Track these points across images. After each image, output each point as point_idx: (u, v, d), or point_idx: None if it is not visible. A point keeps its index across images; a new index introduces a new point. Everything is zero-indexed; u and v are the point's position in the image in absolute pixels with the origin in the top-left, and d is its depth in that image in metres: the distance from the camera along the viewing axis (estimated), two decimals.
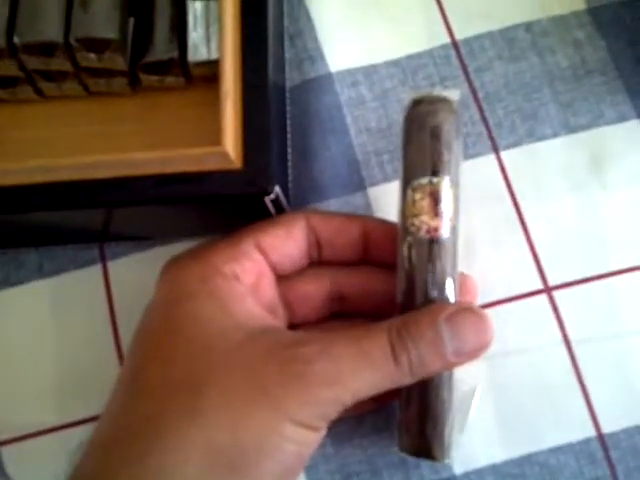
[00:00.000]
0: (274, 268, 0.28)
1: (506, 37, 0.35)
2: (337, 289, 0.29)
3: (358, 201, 0.33)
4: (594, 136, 0.33)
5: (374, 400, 0.26)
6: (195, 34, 0.30)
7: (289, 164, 0.32)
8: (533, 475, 0.29)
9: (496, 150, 0.33)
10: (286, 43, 0.35)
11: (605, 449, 0.30)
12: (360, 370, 0.24)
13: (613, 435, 0.30)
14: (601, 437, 0.30)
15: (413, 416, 0.26)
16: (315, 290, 0.29)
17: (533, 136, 0.33)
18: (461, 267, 0.27)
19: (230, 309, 0.26)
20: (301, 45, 0.35)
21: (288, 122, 0.33)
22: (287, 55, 0.34)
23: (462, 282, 0.27)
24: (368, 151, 0.34)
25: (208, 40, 0.30)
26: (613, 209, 0.32)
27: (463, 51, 0.35)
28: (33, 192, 0.26)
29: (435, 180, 0.26)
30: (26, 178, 0.26)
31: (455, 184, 0.26)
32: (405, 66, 0.35)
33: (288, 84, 0.34)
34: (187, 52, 0.30)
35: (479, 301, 0.30)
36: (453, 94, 0.27)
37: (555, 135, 0.33)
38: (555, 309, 0.31)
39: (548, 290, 0.31)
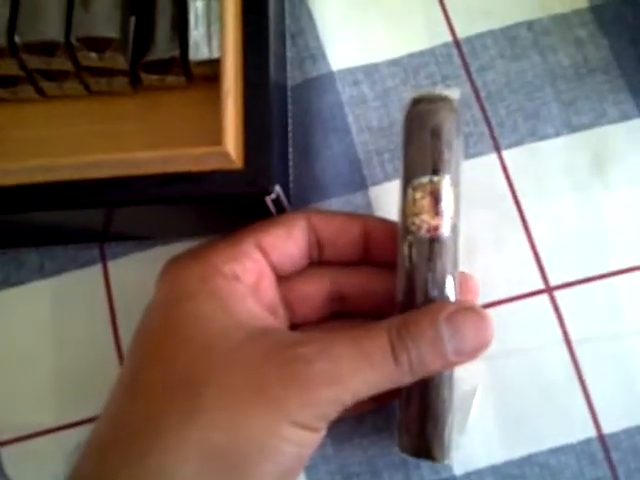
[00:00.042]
0: (274, 268, 0.28)
1: (508, 36, 0.34)
2: (337, 289, 0.29)
3: (359, 200, 0.33)
4: (596, 135, 0.33)
5: (374, 400, 0.26)
6: (196, 33, 0.30)
7: (290, 163, 0.32)
8: (533, 476, 0.29)
9: (498, 149, 0.33)
10: (287, 42, 0.34)
11: (606, 450, 0.30)
12: (360, 370, 0.24)
13: (614, 436, 0.30)
14: (602, 438, 0.30)
15: (413, 416, 0.26)
16: (315, 290, 0.29)
17: (535, 135, 0.33)
18: (462, 266, 0.27)
19: (230, 309, 0.26)
20: (302, 44, 0.35)
21: (289, 121, 0.33)
22: (288, 54, 0.34)
23: (463, 281, 0.27)
24: (369, 150, 0.34)
25: (209, 39, 0.30)
26: (615, 209, 0.32)
27: (465, 50, 0.34)
28: (34, 192, 0.26)
29: (435, 179, 0.26)
30: (27, 178, 0.26)
31: (456, 183, 0.26)
32: (407, 65, 0.34)
33: (289, 83, 0.34)
34: (188, 51, 0.30)
35: (480, 301, 0.30)
36: (454, 93, 0.27)
37: (557, 134, 0.33)
38: (556, 309, 0.31)
39: (549, 290, 0.31)
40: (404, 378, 0.25)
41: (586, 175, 0.33)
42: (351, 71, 0.35)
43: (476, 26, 0.35)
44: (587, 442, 0.30)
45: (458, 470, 0.30)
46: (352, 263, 0.30)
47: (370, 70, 0.34)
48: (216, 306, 0.26)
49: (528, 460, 0.30)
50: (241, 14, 0.28)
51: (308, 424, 0.24)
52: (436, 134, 0.26)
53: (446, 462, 0.27)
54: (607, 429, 0.30)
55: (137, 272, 0.32)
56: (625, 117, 0.33)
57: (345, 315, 0.30)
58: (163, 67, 0.30)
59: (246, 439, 0.23)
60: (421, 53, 0.35)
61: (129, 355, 0.27)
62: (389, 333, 0.24)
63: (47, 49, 0.28)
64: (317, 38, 0.35)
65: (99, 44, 0.28)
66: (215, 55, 0.29)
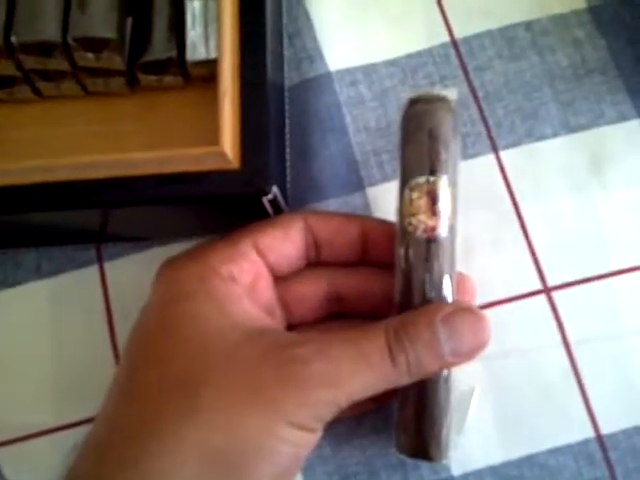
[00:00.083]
0: (271, 269, 0.28)
1: (506, 36, 0.34)
2: (335, 290, 0.29)
3: (357, 201, 0.33)
4: (594, 136, 0.33)
5: (372, 400, 0.26)
6: (193, 33, 0.30)
7: (287, 164, 0.32)
8: (532, 476, 0.29)
9: (495, 150, 0.33)
10: (285, 42, 0.34)
11: (604, 450, 0.30)
12: (358, 371, 0.24)
13: (612, 436, 0.30)
14: (600, 438, 0.30)
15: (410, 416, 0.26)
16: (313, 291, 0.29)
17: (533, 136, 0.33)
18: (460, 267, 0.27)
19: (227, 309, 0.26)
20: (300, 44, 0.35)
21: (287, 121, 0.33)
22: (286, 54, 0.34)
23: (461, 282, 0.27)
24: (367, 151, 0.34)
25: (206, 39, 0.30)
26: (613, 209, 0.32)
27: (463, 50, 0.34)
28: (31, 192, 0.26)
29: (432, 179, 0.26)
30: (24, 178, 0.26)
31: (453, 183, 0.26)
32: (404, 65, 0.34)
33: (287, 83, 0.34)
34: (185, 51, 0.30)
35: (478, 301, 0.30)
36: (451, 93, 0.27)
37: (555, 135, 0.33)
38: (554, 309, 0.31)
39: (547, 290, 0.31)
40: (401, 379, 0.25)
41: (584, 175, 0.32)
42: (349, 71, 0.34)
43: (474, 26, 0.35)
44: (585, 442, 0.30)
45: (456, 470, 0.30)
46: (350, 264, 0.29)
47: (368, 70, 0.34)
48: (213, 307, 0.26)
49: (526, 460, 0.30)
50: (238, 14, 0.28)
51: (305, 424, 0.24)
52: (433, 134, 0.26)
53: (444, 462, 0.27)
54: (605, 429, 0.30)
55: (134, 273, 0.32)
56: (623, 118, 0.33)
57: (342, 316, 0.30)
58: (160, 67, 0.30)
59: (243, 439, 0.23)
60: (419, 53, 0.34)
61: (125, 355, 0.27)
62: (386, 334, 0.24)
63: (44, 49, 0.28)
64: (314, 38, 0.35)
65: (96, 44, 0.28)
66: (212, 55, 0.29)
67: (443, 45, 0.35)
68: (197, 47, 0.30)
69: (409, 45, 0.35)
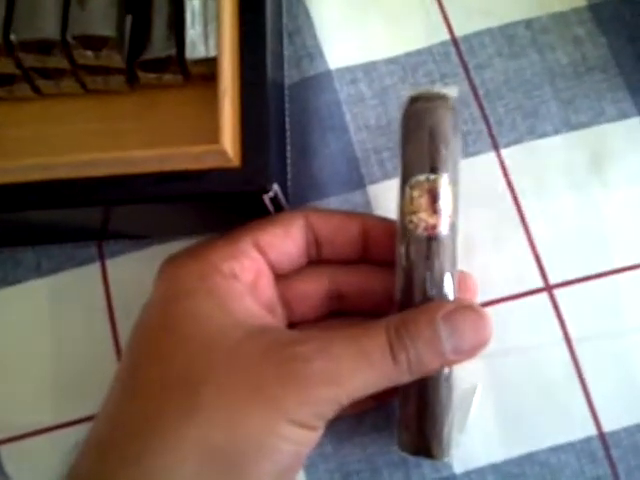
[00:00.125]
0: (272, 267, 0.28)
1: (506, 34, 0.34)
2: (336, 288, 0.29)
3: (357, 199, 0.33)
4: (595, 133, 0.33)
5: (374, 398, 0.26)
6: (193, 31, 0.30)
7: (288, 162, 0.32)
8: (534, 474, 0.29)
9: (496, 148, 0.33)
10: (285, 40, 0.34)
11: (606, 448, 0.30)
12: (359, 369, 0.24)
13: (614, 434, 0.30)
14: (602, 436, 0.30)
15: (412, 414, 0.26)
16: (314, 289, 0.29)
17: (534, 134, 0.33)
18: (461, 265, 0.27)
19: (229, 307, 0.26)
20: (300, 42, 0.35)
21: (287, 120, 0.33)
22: (286, 52, 0.34)
23: (462, 280, 0.27)
24: (367, 148, 0.34)
25: (206, 37, 0.30)
26: (614, 207, 0.32)
27: (463, 48, 0.34)
28: (31, 190, 0.26)
29: (433, 177, 0.26)
30: (24, 176, 0.26)
31: (454, 181, 0.26)
32: (404, 63, 0.34)
33: (287, 81, 0.34)
34: (185, 50, 0.29)
35: (479, 299, 0.30)
36: (451, 91, 0.27)
37: (556, 132, 0.33)
38: (556, 307, 0.31)
39: (549, 288, 0.31)
40: (402, 377, 0.25)
41: (585, 173, 0.32)
42: (349, 69, 0.34)
43: (474, 24, 0.35)
44: (587, 440, 0.30)
45: (458, 468, 0.30)
46: (351, 262, 0.29)
47: (368, 68, 0.34)
48: (214, 304, 0.25)
49: (528, 458, 0.30)
50: (238, 12, 0.28)
51: (306, 423, 0.24)
52: (433, 132, 0.26)
53: (445, 460, 0.27)
54: (607, 427, 0.30)
55: (135, 270, 0.32)
56: (623, 115, 0.33)
57: (344, 314, 0.30)
58: (160, 66, 0.30)
59: (244, 438, 0.23)
60: (419, 51, 0.34)
61: (127, 352, 0.27)
62: (387, 332, 0.24)
63: (43, 47, 0.28)
64: (314, 36, 0.35)
65: (95, 42, 0.28)
66: (212, 54, 0.29)
67: (443, 43, 0.35)
68: (197, 45, 0.30)
69: (409, 43, 0.35)
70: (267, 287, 0.28)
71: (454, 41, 0.35)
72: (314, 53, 0.35)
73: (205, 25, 0.30)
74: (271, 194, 0.26)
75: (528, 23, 0.35)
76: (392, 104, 0.34)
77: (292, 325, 0.29)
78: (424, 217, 0.26)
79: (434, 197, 0.26)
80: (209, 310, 0.25)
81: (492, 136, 0.33)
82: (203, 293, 0.26)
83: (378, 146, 0.33)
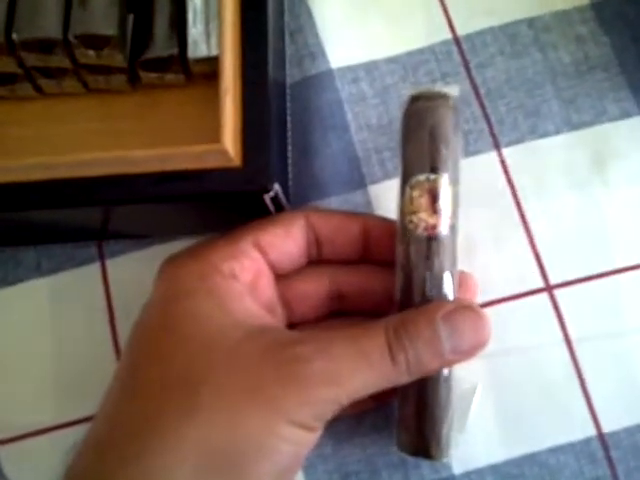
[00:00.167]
0: (273, 267, 0.28)
1: (508, 33, 0.34)
2: (336, 288, 0.29)
3: (358, 199, 0.33)
4: (597, 133, 0.33)
5: (373, 399, 0.26)
6: (195, 30, 0.30)
7: (289, 161, 0.32)
8: (533, 475, 0.29)
9: (498, 147, 0.33)
10: (286, 39, 0.34)
11: (605, 449, 0.30)
12: (358, 370, 0.24)
13: (614, 434, 0.30)
14: (601, 436, 0.30)
15: (411, 415, 0.26)
16: (314, 289, 0.29)
17: (535, 133, 0.33)
18: (462, 265, 0.27)
19: (228, 307, 0.26)
20: (302, 41, 0.35)
21: (288, 119, 0.33)
22: (287, 52, 0.34)
23: (462, 280, 0.27)
24: (369, 148, 0.33)
25: (208, 36, 0.30)
26: (615, 207, 0.32)
27: (465, 47, 0.34)
28: (32, 189, 0.26)
29: (433, 177, 0.26)
30: (25, 175, 0.26)
31: (454, 181, 0.26)
32: (406, 62, 0.34)
33: (288, 81, 0.34)
34: (187, 49, 0.29)
35: (479, 299, 0.30)
36: (453, 90, 0.27)
37: (557, 132, 0.33)
38: (556, 307, 0.31)
39: (549, 288, 0.31)
40: (402, 377, 0.25)
41: (586, 173, 0.32)
42: (350, 69, 0.34)
43: (476, 23, 0.34)
44: (587, 441, 0.30)
45: (457, 469, 0.30)
46: (351, 262, 0.29)
47: (369, 67, 0.34)
48: (214, 304, 0.25)
49: (528, 459, 0.30)
50: (240, 11, 0.28)
51: (306, 423, 0.24)
52: (434, 132, 0.26)
53: (444, 461, 0.27)
54: (607, 428, 0.30)
55: (135, 270, 0.32)
56: (626, 115, 0.33)
57: (344, 314, 0.30)
58: (162, 65, 0.30)
59: (244, 438, 0.23)
60: (420, 50, 0.34)
61: (126, 352, 0.27)
62: (387, 332, 0.24)
63: (45, 46, 0.28)
64: (316, 35, 0.35)
65: (97, 42, 0.28)
66: (214, 53, 0.29)
67: (445, 42, 0.34)
68: (198, 44, 0.30)
69: (411, 42, 0.35)
70: (267, 287, 0.28)
71: (456, 40, 0.35)
72: (316, 52, 0.35)
73: (207, 24, 0.30)
74: (272, 194, 0.26)
75: (530, 22, 0.34)
76: (393, 103, 0.34)
77: (292, 325, 0.29)
78: (424, 217, 0.26)
79: (434, 197, 0.26)
80: (209, 310, 0.25)
81: (493, 135, 0.33)
82: (203, 293, 0.26)
83: (379, 146, 0.33)
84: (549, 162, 0.33)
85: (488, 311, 0.28)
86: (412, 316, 0.25)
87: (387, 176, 0.33)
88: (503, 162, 0.33)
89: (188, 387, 0.24)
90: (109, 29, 0.28)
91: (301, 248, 0.28)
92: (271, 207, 0.28)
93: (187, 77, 0.31)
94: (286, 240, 0.28)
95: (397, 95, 0.34)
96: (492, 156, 0.33)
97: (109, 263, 0.33)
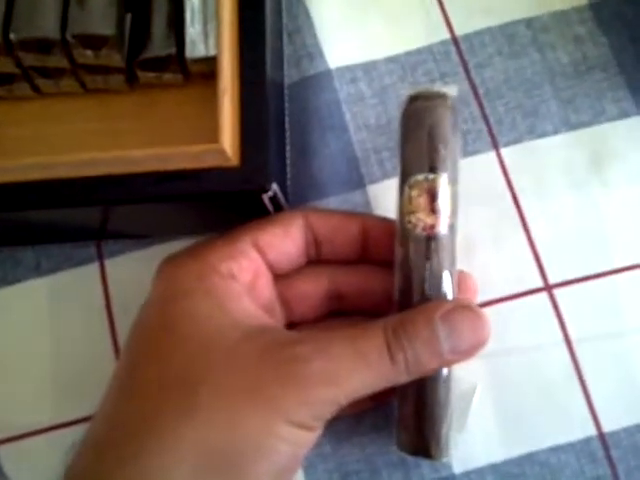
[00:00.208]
0: (271, 267, 0.28)
1: (506, 33, 0.34)
2: (335, 288, 0.29)
3: (357, 199, 0.33)
4: (595, 133, 0.33)
5: (372, 399, 0.26)
6: (193, 30, 0.30)
7: (287, 161, 0.32)
8: (533, 474, 0.29)
9: (496, 147, 0.33)
10: (285, 40, 0.34)
11: (606, 448, 0.29)
12: (356, 370, 0.24)
13: (614, 434, 0.30)
14: (602, 436, 0.30)
15: (410, 414, 0.26)
16: (313, 289, 0.29)
17: (534, 133, 0.33)
18: (461, 264, 0.27)
19: (227, 307, 0.25)
20: (300, 42, 0.35)
21: (286, 119, 0.33)
22: (286, 52, 0.34)
23: (462, 280, 0.27)
24: (367, 148, 0.33)
25: (206, 36, 0.30)
26: (614, 207, 0.32)
27: (463, 47, 0.34)
28: (30, 189, 0.26)
29: (432, 177, 0.26)
30: (23, 175, 0.26)
31: (453, 181, 0.26)
32: (404, 62, 0.34)
33: (287, 81, 0.34)
34: (185, 48, 0.29)
35: (479, 299, 0.30)
36: (451, 90, 0.27)
37: (556, 132, 0.33)
38: (556, 307, 0.31)
39: (548, 288, 0.31)
40: (400, 377, 0.25)
41: (585, 173, 0.32)
42: (348, 69, 0.34)
43: (474, 23, 0.35)
44: (587, 440, 0.30)
45: (458, 469, 0.30)
46: (350, 261, 0.29)
47: (368, 68, 0.34)
48: (212, 304, 0.25)
49: (528, 458, 0.30)
50: (237, 11, 0.28)
51: (304, 423, 0.24)
52: (433, 132, 0.26)
53: (444, 460, 0.27)
54: (607, 427, 0.30)
55: (134, 270, 0.32)
56: (624, 115, 0.33)
57: (343, 314, 0.30)
58: (159, 65, 0.30)
59: (242, 438, 0.23)
60: (419, 50, 0.34)
61: (125, 352, 0.27)
62: (385, 332, 0.24)
63: (43, 46, 0.28)
64: (314, 36, 0.35)
65: (95, 41, 0.28)
66: (212, 52, 0.29)
67: (443, 42, 0.35)
68: (196, 44, 0.30)
69: (409, 42, 0.35)
70: (266, 287, 0.28)
71: (454, 40, 0.35)
72: (314, 52, 0.35)
73: (205, 23, 0.30)
74: (270, 193, 0.26)
75: (529, 22, 0.34)
76: (392, 103, 0.34)
77: (291, 325, 0.29)
78: (423, 217, 0.26)
79: (433, 197, 0.26)
80: (207, 310, 0.25)
81: (492, 135, 0.33)
82: (201, 293, 0.26)
83: (378, 145, 0.33)
84: (548, 162, 0.33)
85: (487, 311, 0.28)
86: (411, 316, 0.25)
87: (386, 176, 0.33)
88: (502, 162, 0.33)
89: (186, 387, 0.24)
90: (107, 29, 0.28)
91: (300, 248, 0.28)
92: (269, 207, 0.28)
93: (185, 77, 0.31)
94: (285, 240, 0.28)
95: (395, 95, 0.34)
96: (491, 156, 0.33)
97: (108, 263, 0.33)
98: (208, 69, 0.29)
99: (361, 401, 0.25)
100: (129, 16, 0.30)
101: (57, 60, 0.29)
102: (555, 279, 0.31)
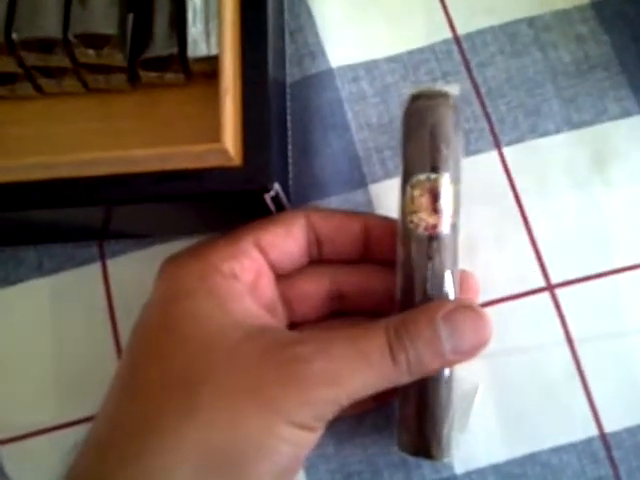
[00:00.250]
0: (273, 266, 0.28)
1: (508, 32, 0.34)
2: (337, 288, 0.29)
3: (359, 198, 0.33)
4: (597, 132, 0.33)
5: (374, 399, 0.26)
6: (194, 29, 0.30)
7: (289, 161, 0.32)
8: (535, 475, 0.29)
9: (498, 146, 0.33)
10: (286, 39, 0.34)
11: (607, 448, 0.29)
12: (358, 370, 0.24)
13: (616, 434, 0.30)
14: (603, 436, 0.30)
15: (411, 415, 0.26)
16: (315, 289, 0.29)
17: (536, 132, 0.33)
18: (463, 264, 0.27)
19: (228, 307, 0.25)
20: (302, 41, 0.35)
21: (288, 118, 0.33)
22: (287, 51, 0.34)
23: (464, 279, 0.27)
24: (369, 147, 0.33)
25: (208, 35, 0.30)
26: (616, 206, 0.32)
27: (465, 46, 0.34)
28: (32, 189, 0.26)
29: (434, 176, 0.26)
30: (25, 175, 0.26)
31: (455, 180, 0.26)
32: (406, 61, 0.34)
33: (289, 80, 0.34)
34: (187, 48, 0.29)
35: (480, 298, 0.30)
36: (453, 89, 0.27)
37: (558, 131, 0.33)
38: (558, 307, 0.31)
39: (550, 288, 0.31)
40: (402, 378, 0.24)
41: (587, 172, 0.32)
42: (350, 68, 0.34)
43: (476, 22, 0.34)
44: (589, 441, 0.29)
45: (459, 469, 0.30)
46: (352, 261, 0.29)
47: (369, 67, 0.34)
48: (214, 304, 0.25)
49: (529, 459, 0.29)
50: (239, 10, 0.28)
51: (306, 424, 0.24)
52: (435, 131, 0.26)
53: (445, 461, 0.27)
54: (609, 428, 0.30)
55: (136, 270, 0.32)
56: (626, 114, 0.33)
57: (345, 313, 0.30)
58: (161, 64, 0.30)
59: (244, 438, 0.23)
60: (421, 49, 0.34)
61: (127, 352, 0.27)
62: (387, 332, 0.24)
63: (45, 46, 0.28)
64: (316, 35, 0.35)
65: (97, 41, 0.28)
66: (213, 52, 0.29)
67: (445, 41, 0.34)
68: (198, 44, 0.30)
69: (411, 41, 0.35)
70: (267, 287, 0.28)
71: (456, 39, 0.34)
72: (316, 51, 0.35)
73: (207, 23, 0.30)
74: (272, 193, 0.26)
75: (530, 21, 0.34)
76: (394, 102, 0.34)
77: (293, 325, 0.29)
78: (424, 217, 0.26)
79: (435, 196, 0.26)
80: (209, 310, 0.25)
81: (494, 134, 0.33)
82: (203, 293, 0.26)
83: (380, 145, 0.33)
84: (550, 161, 0.33)
85: (489, 310, 0.29)
86: (413, 316, 0.25)
87: (388, 175, 0.33)
88: (504, 161, 0.33)
89: (188, 387, 0.24)
90: (109, 28, 0.28)
91: (302, 248, 0.28)
92: (271, 207, 0.28)
93: (187, 76, 0.31)
94: (287, 240, 0.28)
95: (397, 94, 0.34)
96: (493, 155, 0.33)
97: (110, 263, 0.33)
98: (210, 68, 0.29)
99: (363, 401, 0.25)
100: (131, 15, 0.30)
101: (59, 60, 0.29)
102: (557, 279, 0.31)
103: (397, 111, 0.33)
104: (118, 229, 0.32)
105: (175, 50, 0.29)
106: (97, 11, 0.28)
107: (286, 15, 0.35)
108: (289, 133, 0.33)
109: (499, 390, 0.30)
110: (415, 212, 0.26)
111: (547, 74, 0.34)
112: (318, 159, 0.33)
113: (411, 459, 0.29)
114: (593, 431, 0.30)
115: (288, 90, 0.34)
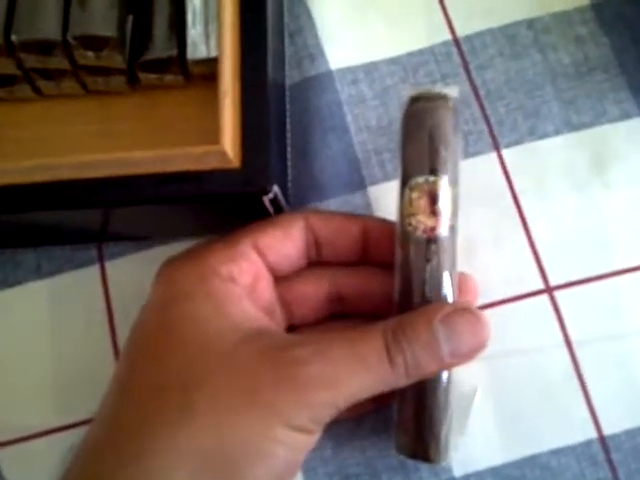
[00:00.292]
0: (272, 269, 0.28)
1: (508, 34, 0.34)
2: (336, 290, 0.29)
3: (358, 200, 0.33)
4: (596, 134, 0.33)
5: (373, 401, 0.26)
6: (194, 32, 0.30)
7: (288, 163, 0.32)
8: (534, 477, 0.29)
9: (497, 148, 0.33)
10: (286, 41, 0.34)
11: (606, 451, 0.29)
12: (356, 373, 0.24)
13: (615, 437, 0.29)
14: (602, 439, 0.30)
15: (409, 417, 0.26)
16: (313, 291, 0.29)
17: (535, 134, 0.33)
18: (461, 266, 0.27)
19: (226, 310, 0.25)
20: (301, 43, 0.35)
21: (288, 120, 0.33)
22: (287, 53, 0.34)
23: (462, 282, 0.27)
24: (368, 149, 0.33)
25: (207, 37, 0.30)
26: (615, 208, 0.32)
27: (464, 48, 0.34)
28: (31, 191, 0.26)
29: (432, 179, 0.26)
30: (24, 177, 0.26)
31: (454, 183, 0.26)
32: (406, 63, 0.34)
33: (288, 82, 0.34)
34: (186, 50, 0.29)
35: (479, 300, 0.30)
36: (452, 91, 0.27)
37: (557, 133, 0.33)
38: (556, 309, 0.31)
39: (549, 290, 0.31)
40: (400, 381, 0.24)
41: (586, 174, 0.32)
42: (350, 70, 0.34)
43: (476, 24, 0.34)
44: (588, 443, 0.29)
45: (458, 472, 0.30)
46: (351, 263, 0.29)
47: (369, 69, 0.34)
48: (212, 307, 0.25)
49: (528, 461, 0.29)
50: (239, 12, 0.28)
51: (303, 427, 0.24)
52: (434, 133, 0.26)
53: (443, 463, 0.27)
54: (608, 430, 0.30)
55: (135, 272, 0.32)
56: (625, 116, 0.33)
57: (344, 316, 0.30)
58: (161, 66, 0.30)
59: (240, 441, 0.23)
60: (420, 51, 0.34)
61: (124, 354, 0.27)
62: (384, 335, 0.24)
63: (44, 48, 0.28)
64: (316, 36, 0.35)
65: (96, 43, 0.28)
66: (213, 54, 0.29)
67: (445, 43, 0.34)
68: (198, 46, 0.30)
69: (410, 43, 0.35)
70: (266, 290, 0.28)
71: (456, 41, 0.34)
72: (315, 53, 0.35)
73: (206, 25, 0.30)
74: (271, 195, 0.26)
75: (530, 23, 0.34)
76: (393, 104, 0.34)
77: (292, 328, 0.29)
78: (423, 219, 0.26)
79: (433, 199, 0.26)
80: (207, 313, 0.25)
81: (493, 136, 0.33)
82: (201, 296, 0.26)
83: (379, 147, 0.33)
84: (549, 163, 0.33)
85: (488, 312, 0.29)
86: (410, 319, 0.25)
87: (387, 177, 0.33)
88: (503, 163, 0.33)
89: (185, 389, 0.24)
90: (108, 30, 0.28)
91: (300, 250, 0.28)
92: (270, 209, 0.28)
93: (186, 78, 0.31)
94: (285, 242, 0.28)
95: (397, 96, 0.34)
96: (492, 157, 0.33)
97: (108, 265, 0.33)
98: (209, 71, 0.29)
99: (361, 404, 0.25)
100: (130, 17, 0.30)
101: (58, 61, 0.29)
102: (556, 281, 0.31)
103: (396, 113, 0.33)
104: (117, 231, 0.32)
105: (174, 52, 0.29)
106: (96, 13, 0.28)
107: (285, 17, 0.35)
108: (288, 135, 0.33)
109: (498, 392, 0.30)
110: (413, 214, 0.26)
111: (546, 76, 0.34)
112: (317, 161, 0.33)
113: (409, 462, 0.29)
114: (592, 433, 0.30)
115: (287, 92, 0.34)
